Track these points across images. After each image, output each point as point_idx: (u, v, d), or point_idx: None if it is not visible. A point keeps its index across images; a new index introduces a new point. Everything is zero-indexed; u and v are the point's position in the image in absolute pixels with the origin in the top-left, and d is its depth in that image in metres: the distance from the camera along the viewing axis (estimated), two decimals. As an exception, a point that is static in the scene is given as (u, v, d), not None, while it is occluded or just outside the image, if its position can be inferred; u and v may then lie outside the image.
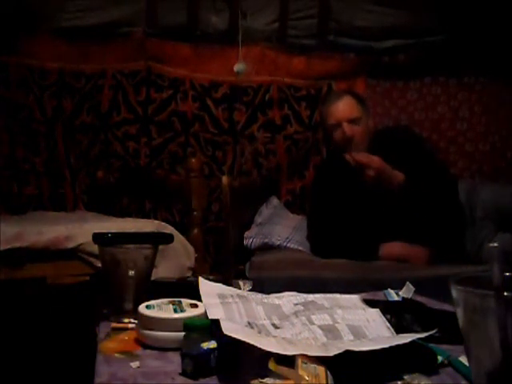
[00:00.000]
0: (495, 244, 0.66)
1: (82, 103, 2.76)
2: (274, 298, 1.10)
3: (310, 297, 1.12)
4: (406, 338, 0.88)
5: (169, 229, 2.03)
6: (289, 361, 0.78)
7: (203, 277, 1.15)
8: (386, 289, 1.37)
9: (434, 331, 0.95)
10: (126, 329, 1.08)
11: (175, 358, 0.92)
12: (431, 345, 0.93)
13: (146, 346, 0.99)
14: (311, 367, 0.77)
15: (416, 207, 2.12)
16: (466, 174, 2.83)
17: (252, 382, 0.75)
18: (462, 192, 2.37)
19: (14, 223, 1.99)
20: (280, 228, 2.39)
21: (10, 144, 2.66)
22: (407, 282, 1.35)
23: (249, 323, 0.96)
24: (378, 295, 1.34)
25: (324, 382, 0.76)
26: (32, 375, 1.47)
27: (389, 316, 1.03)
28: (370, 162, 2.11)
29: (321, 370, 0.77)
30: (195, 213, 2.42)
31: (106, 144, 2.77)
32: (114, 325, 1.10)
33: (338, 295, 1.14)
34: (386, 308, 1.07)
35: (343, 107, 2.27)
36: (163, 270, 1.80)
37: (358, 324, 0.99)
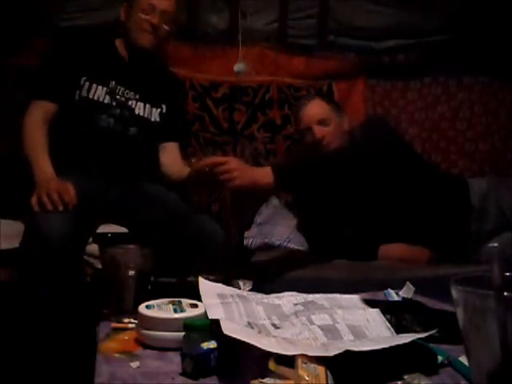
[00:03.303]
0: (495, 244, 0.66)
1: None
2: (274, 298, 1.10)
3: (310, 297, 1.12)
4: (405, 338, 0.88)
5: (169, 229, 2.02)
6: (289, 361, 0.78)
7: (203, 277, 1.15)
8: (386, 289, 1.37)
9: (434, 331, 0.95)
10: (126, 329, 1.08)
11: (175, 358, 0.92)
12: (431, 345, 0.93)
13: (146, 346, 0.99)
14: (311, 367, 0.77)
15: (415, 208, 2.12)
16: (466, 174, 2.82)
17: (252, 382, 0.75)
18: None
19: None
20: (280, 228, 2.39)
21: None
22: (407, 282, 1.35)
23: (249, 323, 0.96)
24: (378, 295, 1.34)
25: (324, 382, 0.76)
26: (32, 375, 1.47)
27: (389, 316, 1.03)
28: (224, 161, 1.77)
29: (321, 369, 0.77)
30: (195, 213, 2.41)
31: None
32: (114, 325, 1.10)
33: (337, 295, 1.15)
34: (386, 308, 1.07)
35: (312, 110, 2.28)
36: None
37: (358, 324, 0.99)
